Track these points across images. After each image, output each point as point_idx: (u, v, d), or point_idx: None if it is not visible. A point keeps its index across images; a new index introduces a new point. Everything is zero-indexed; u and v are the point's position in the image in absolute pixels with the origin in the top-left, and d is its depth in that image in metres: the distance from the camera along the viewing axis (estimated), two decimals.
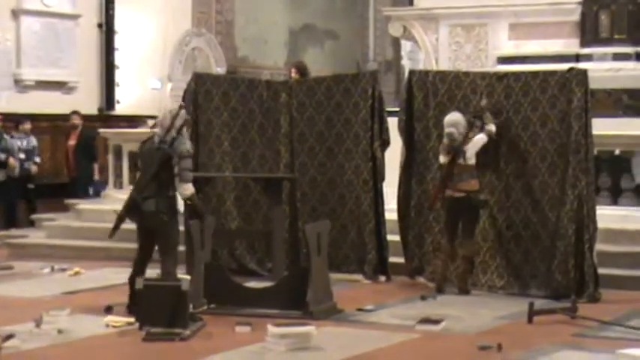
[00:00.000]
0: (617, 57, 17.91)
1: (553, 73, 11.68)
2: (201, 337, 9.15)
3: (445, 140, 11.38)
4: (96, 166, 18.30)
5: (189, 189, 9.81)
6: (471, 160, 11.27)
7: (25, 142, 17.69)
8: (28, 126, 17.77)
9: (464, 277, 11.38)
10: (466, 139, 11.28)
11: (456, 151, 11.25)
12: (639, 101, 17.85)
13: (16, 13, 18.89)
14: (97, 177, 18.27)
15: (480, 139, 11.28)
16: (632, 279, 11.49)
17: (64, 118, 18.44)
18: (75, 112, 18.36)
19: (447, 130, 11.33)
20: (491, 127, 11.32)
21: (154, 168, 9.72)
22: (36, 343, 8.74)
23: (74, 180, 18.32)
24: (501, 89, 11.66)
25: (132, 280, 9.81)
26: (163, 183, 9.79)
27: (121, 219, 9.98)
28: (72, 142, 18.28)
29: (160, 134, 9.82)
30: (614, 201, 12.88)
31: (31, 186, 17.76)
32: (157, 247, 10.07)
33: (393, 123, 12.32)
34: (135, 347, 8.86)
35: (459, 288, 11.35)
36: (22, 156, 17.61)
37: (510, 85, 11.63)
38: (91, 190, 18.12)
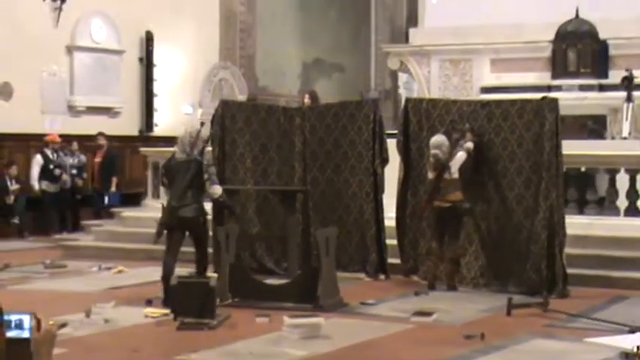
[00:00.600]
0: (582, 88, 17.95)
1: (529, 101, 11.69)
2: (226, 326, 9.14)
3: (432, 159, 11.38)
4: (114, 180, 18.16)
5: (219, 189, 10.22)
6: (455, 175, 11.24)
7: (76, 160, 17.74)
8: (75, 147, 17.80)
9: (451, 276, 11.35)
10: (451, 156, 11.27)
11: (442, 167, 11.23)
12: (602, 126, 17.87)
13: (70, 49, 18.95)
14: (113, 189, 18.13)
15: (460, 156, 11.25)
16: (596, 278, 11.44)
17: (110, 139, 18.46)
18: (100, 134, 18.24)
19: (432, 151, 11.32)
20: (469, 145, 11.31)
21: (190, 176, 9.90)
22: (86, 331, 8.75)
23: (97, 192, 18.23)
24: (484, 114, 11.64)
25: (165, 278, 9.82)
26: (196, 190, 10.01)
27: (162, 225, 10.01)
28: (98, 159, 18.20)
29: (186, 149, 10.06)
30: (581, 211, 12.83)
31: (78, 197, 17.80)
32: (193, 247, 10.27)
33: (391, 143, 12.32)
34: (170, 335, 8.86)
35: (447, 285, 11.32)
36: (73, 172, 17.66)
37: (492, 111, 11.61)
38: (106, 199, 17.99)
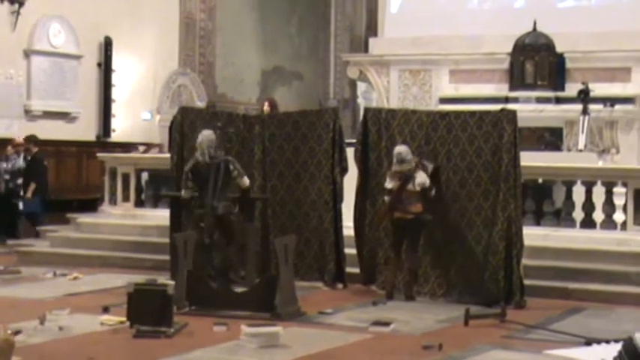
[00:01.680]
0: (539, 100, 18.06)
1: (488, 112, 11.67)
2: (183, 334, 9.03)
3: (396, 167, 11.30)
4: (32, 185, 16.94)
5: (247, 180, 11.55)
6: (418, 187, 11.21)
7: (9, 165, 17.20)
8: (10, 151, 17.13)
9: (410, 286, 11.32)
10: (416, 168, 11.24)
11: (406, 177, 11.18)
12: (558, 138, 17.99)
13: (27, 53, 18.73)
14: (29, 194, 16.91)
15: (425, 179, 11.14)
16: (553, 289, 11.47)
17: (67, 144, 18.24)
18: (28, 138, 17.15)
19: (396, 160, 11.23)
20: (426, 181, 11.15)
21: (221, 175, 11.05)
22: (40, 338, 8.59)
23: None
24: (443, 125, 11.63)
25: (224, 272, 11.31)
26: (226, 188, 11.19)
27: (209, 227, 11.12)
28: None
29: (209, 152, 11.22)
30: (537, 222, 12.86)
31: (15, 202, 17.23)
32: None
33: (350, 152, 12.28)
34: (126, 343, 8.72)
35: (405, 295, 11.28)
36: (6, 177, 17.15)
37: (451, 122, 11.60)
38: (21, 205, 16.99)
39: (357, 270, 12.16)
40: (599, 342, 8.50)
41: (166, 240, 12.57)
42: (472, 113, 11.70)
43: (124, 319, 9.29)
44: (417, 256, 11.39)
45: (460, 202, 11.46)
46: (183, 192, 11.57)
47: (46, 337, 8.65)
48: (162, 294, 9.08)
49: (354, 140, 12.62)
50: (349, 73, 20.60)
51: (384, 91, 19.48)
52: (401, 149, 11.32)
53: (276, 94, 22.97)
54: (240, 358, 8.05)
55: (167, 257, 12.26)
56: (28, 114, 18.65)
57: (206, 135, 11.39)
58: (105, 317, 9.56)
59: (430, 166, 11.33)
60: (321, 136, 12.43)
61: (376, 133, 12.05)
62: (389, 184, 11.36)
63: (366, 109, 12.80)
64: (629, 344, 3.08)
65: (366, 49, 22.24)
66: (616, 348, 3.52)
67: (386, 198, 11.43)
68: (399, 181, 11.21)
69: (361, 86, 25.06)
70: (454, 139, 11.53)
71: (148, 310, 9.01)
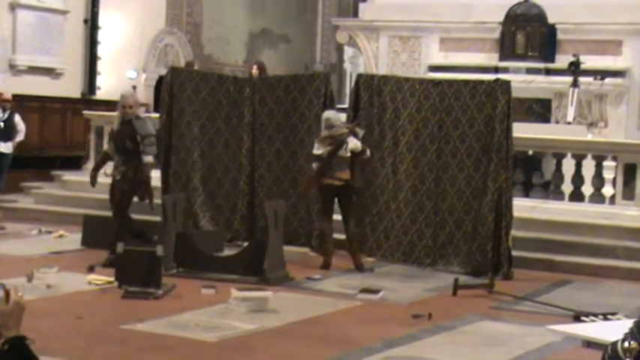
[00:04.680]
0: (529, 71, 18.01)
1: (482, 82, 11.64)
2: (172, 296, 9.06)
3: (324, 133, 10.98)
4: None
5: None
6: (348, 154, 10.95)
7: None
8: None
9: (357, 255, 11.11)
10: (349, 134, 10.91)
11: (339, 142, 10.86)
12: (547, 109, 17.98)
13: (12, 7, 18.51)
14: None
15: (357, 144, 10.89)
16: (540, 261, 11.54)
17: (52, 100, 18.07)
18: None
19: (329, 122, 10.98)
20: (357, 145, 10.94)
21: None
22: (27, 296, 8.42)
23: None
24: (436, 94, 11.61)
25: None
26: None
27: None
28: None
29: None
30: (526, 194, 12.90)
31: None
32: None
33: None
34: (115, 303, 8.75)
35: (355, 266, 11.02)
36: None
37: (444, 91, 11.58)
38: None
39: (343, 236, 12.13)
40: (587, 315, 8.57)
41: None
42: (466, 82, 11.69)
43: (111, 278, 9.28)
44: (353, 222, 11.21)
45: (450, 172, 11.47)
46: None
47: (33, 294, 8.62)
48: (151, 255, 9.08)
49: (344, 106, 12.58)
50: (338, 37, 20.49)
51: (372, 57, 19.38)
52: (329, 114, 11.13)
53: (263, 57, 22.81)
54: (230, 322, 8.06)
55: (152, 218, 12.19)
56: (13, 69, 18.46)
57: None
58: (92, 276, 9.54)
59: (362, 132, 11.15)
60: (312, 100, 12.38)
61: (368, 99, 12.03)
62: (317, 150, 11.01)
63: (359, 75, 12.77)
64: None
65: (354, 14, 22.11)
66: (625, 324, 3.52)
67: (314, 165, 11.14)
68: (329, 146, 10.91)
69: (348, 51, 24.96)
70: (447, 107, 11.52)
71: (136, 271, 9.01)
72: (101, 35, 20.40)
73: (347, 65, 26.09)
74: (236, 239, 12.26)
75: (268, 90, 12.70)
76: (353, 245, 11.16)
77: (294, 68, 22.94)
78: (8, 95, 16.30)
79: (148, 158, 10.45)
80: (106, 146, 11.39)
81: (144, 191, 10.54)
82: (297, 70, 22.09)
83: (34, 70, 18.69)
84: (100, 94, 20.39)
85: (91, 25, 20.17)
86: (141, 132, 10.42)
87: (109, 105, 18.98)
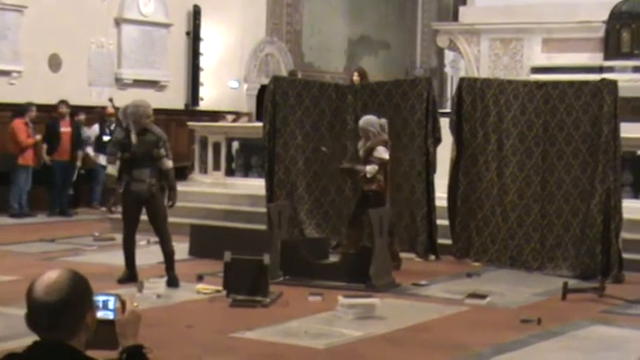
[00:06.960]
0: (636, 69, 17.66)
1: (587, 82, 11.47)
2: (279, 304, 9.11)
3: (385, 136, 11.08)
4: (80, 153, 16.72)
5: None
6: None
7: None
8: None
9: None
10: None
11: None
12: None
13: (118, 22, 18.94)
14: (79, 163, 16.79)
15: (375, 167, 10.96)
16: None
17: (156, 112, 18.33)
18: (62, 102, 16.42)
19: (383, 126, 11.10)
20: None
21: None
22: (139, 306, 8.69)
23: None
24: (540, 95, 11.48)
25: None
26: None
27: None
28: (65, 129, 16.35)
29: None
30: (635, 195, 12.63)
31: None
32: None
33: (444, 123, 12.19)
34: (223, 311, 8.84)
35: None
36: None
37: (548, 92, 11.44)
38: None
39: (448, 241, 12.10)
40: None
41: (256, 209, 12.65)
42: (570, 83, 11.52)
43: (219, 287, 9.39)
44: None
45: (557, 174, 11.32)
46: None
47: (144, 304, 8.73)
48: (258, 264, 9.16)
49: (447, 110, 12.52)
50: (439, 42, 20.37)
51: (474, 61, 19.24)
52: (381, 121, 11.23)
53: (363, 63, 22.87)
54: (338, 329, 8.08)
55: (256, 226, 12.31)
56: (119, 82, 18.88)
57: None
58: (201, 286, 9.67)
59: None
60: (414, 106, 12.35)
61: (471, 103, 11.95)
62: (386, 155, 11.05)
63: (461, 79, 12.70)
64: None
65: (454, 18, 22.01)
66: None
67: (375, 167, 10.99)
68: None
69: (449, 55, 24.84)
70: (551, 109, 11.37)
71: (244, 280, 9.10)
72: (203, 47, 20.74)
73: (448, 69, 25.99)
74: (341, 246, 12.29)
75: (370, 96, 12.71)
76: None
77: (394, 74, 22.93)
78: (112, 109, 16.66)
79: (171, 162, 10.09)
80: (110, 168, 10.43)
81: (174, 196, 10.28)
82: (398, 75, 22.07)
83: (139, 83, 19.08)
84: (203, 105, 20.72)
85: (193, 37, 20.52)
86: (162, 137, 10.01)
87: (212, 116, 19.32)
